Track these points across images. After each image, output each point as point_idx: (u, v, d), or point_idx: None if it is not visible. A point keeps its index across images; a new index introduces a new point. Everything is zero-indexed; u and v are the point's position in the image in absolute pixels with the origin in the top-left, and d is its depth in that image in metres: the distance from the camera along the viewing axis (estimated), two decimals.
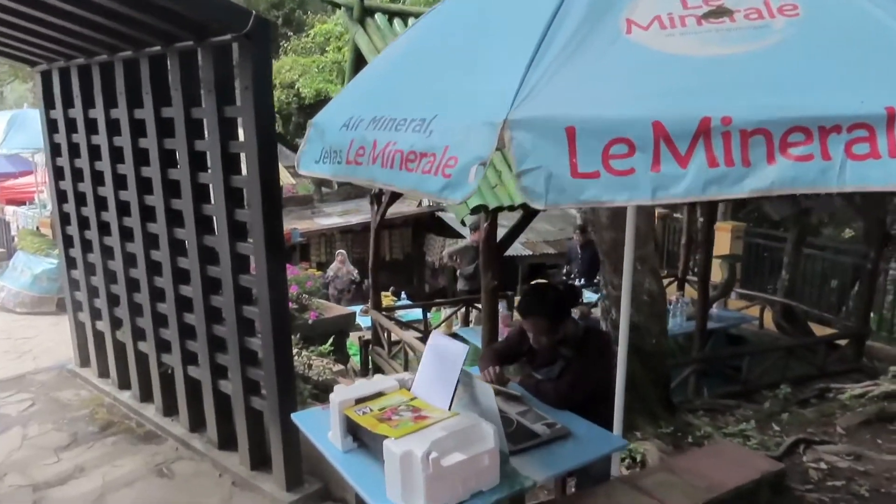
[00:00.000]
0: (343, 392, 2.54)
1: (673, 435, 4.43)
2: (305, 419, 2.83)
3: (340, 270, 10.63)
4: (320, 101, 14.20)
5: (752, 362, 6.27)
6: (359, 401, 2.52)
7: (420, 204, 15.08)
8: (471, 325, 8.04)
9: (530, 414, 2.70)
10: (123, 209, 4.26)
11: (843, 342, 6.84)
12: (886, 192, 1.32)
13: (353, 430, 2.45)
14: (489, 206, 4.31)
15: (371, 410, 2.43)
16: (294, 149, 19.34)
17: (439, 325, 8.02)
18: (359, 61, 6.00)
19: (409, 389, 2.63)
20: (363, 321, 8.67)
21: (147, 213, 4.04)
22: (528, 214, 4.95)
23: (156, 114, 3.70)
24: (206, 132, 3.50)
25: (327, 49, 13.82)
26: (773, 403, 4.99)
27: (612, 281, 4.78)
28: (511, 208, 4.43)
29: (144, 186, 3.99)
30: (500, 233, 5.17)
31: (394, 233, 14.64)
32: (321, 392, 4.45)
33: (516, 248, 12.99)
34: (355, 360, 7.93)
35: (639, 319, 4.76)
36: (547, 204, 1.32)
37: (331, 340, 6.09)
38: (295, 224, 13.42)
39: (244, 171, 3.37)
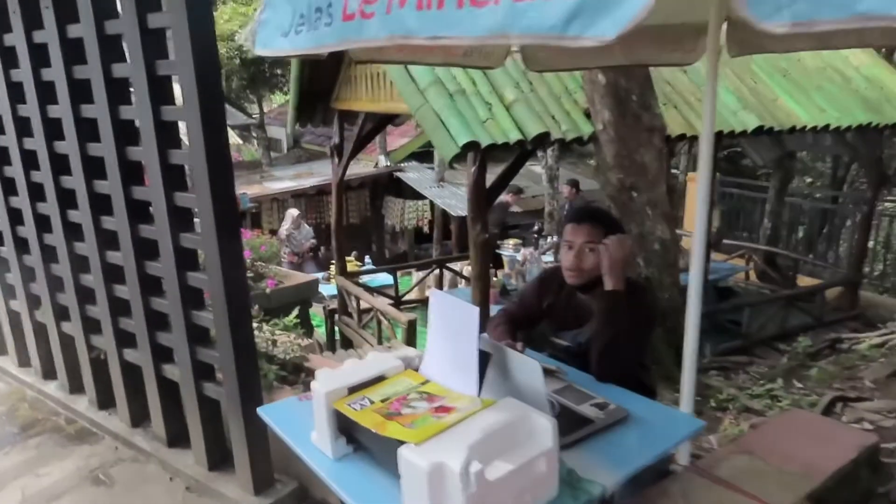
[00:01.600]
0: (329, 378, 1.88)
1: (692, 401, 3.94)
2: (277, 413, 2.15)
3: (294, 232, 9.78)
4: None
5: (750, 315, 5.88)
6: (353, 389, 1.86)
7: (377, 164, 14.27)
8: (445, 289, 7.44)
9: (571, 392, 2.09)
10: (30, 161, 3.42)
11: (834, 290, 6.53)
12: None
13: (348, 430, 1.80)
14: (480, 144, 3.66)
15: (371, 402, 1.78)
16: (241, 109, 18.09)
17: (410, 291, 7.39)
18: None
19: (416, 370, 2.00)
20: (325, 290, 7.97)
21: (59, 164, 3.22)
22: (523, 154, 4.32)
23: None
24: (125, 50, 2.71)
25: None
26: (793, 357, 4.57)
27: None
28: (505, 146, 3.78)
29: (52, 129, 3.16)
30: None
31: (350, 195, 13.80)
32: (289, 373, 3.78)
33: None
34: (320, 333, 7.25)
35: (650, 271, 4.24)
36: None
37: (295, 312, 5.39)
38: (243, 189, 12.45)
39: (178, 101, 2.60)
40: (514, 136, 3.80)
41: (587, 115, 4.21)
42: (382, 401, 1.79)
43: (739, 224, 9.82)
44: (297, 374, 3.84)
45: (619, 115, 4.04)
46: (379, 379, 1.92)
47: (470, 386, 1.80)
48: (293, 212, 9.95)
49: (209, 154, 2.46)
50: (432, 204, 13.28)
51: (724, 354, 5.36)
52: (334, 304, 7.24)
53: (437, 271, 7.34)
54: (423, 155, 14.32)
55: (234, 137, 13.36)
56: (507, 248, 7.74)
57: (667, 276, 4.28)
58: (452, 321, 1.89)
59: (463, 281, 7.62)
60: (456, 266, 7.65)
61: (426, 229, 13.83)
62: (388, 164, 13.86)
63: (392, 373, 1.97)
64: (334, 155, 6.27)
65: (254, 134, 17.56)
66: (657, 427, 1.89)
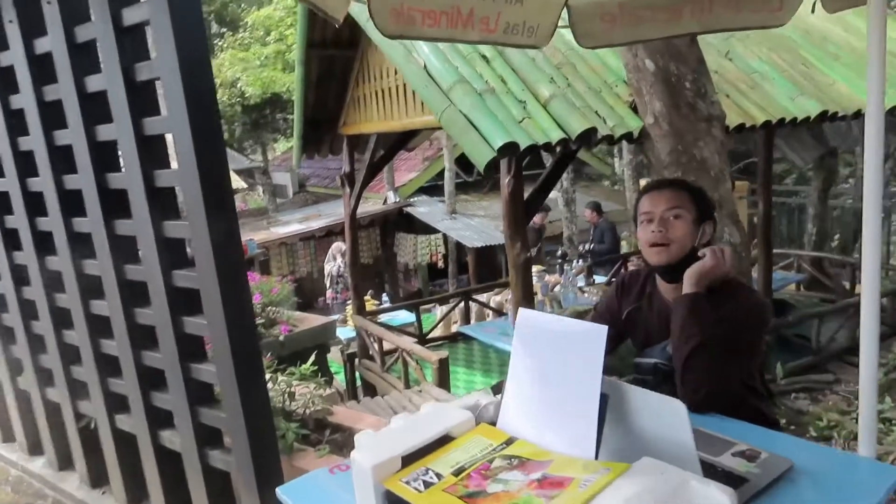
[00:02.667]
0: (374, 443, 1.32)
1: (786, 430, 3.32)
2: (302, 494, 1.55)
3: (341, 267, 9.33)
4: (268, 100, 12.81)
5: (818, 328, 5.26)
6: (409, 459, 1.29)
7: (386, 201, 13.84)
8: (472, 322, 6.86)
9: (697, 436, 1.50)
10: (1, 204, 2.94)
11: None
12: None
13: None
14: (519, 146, 3.14)
15: (440, 477, 1.20)
16: (243, 153, 17.82)
17: (435, 327, 6.81)
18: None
19: (493, 423, 1.44)
20: (341, 333, 7.40)
21: (34, 203, 2.73)
22: (564, 158, 3.80)
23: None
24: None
25: (268, 39, 12.47)
26: (890, 370, 3.95)
27: None
28: (546, 147, 3.26)
29: (24, 164, 2.68)
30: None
31: (360, 235, 13.31)
32: (311, 431, 3.20)
33: (494, 237, 11.98)
34: (339, 380, 6.65)
35: None
36: None
37: (312, 358, 4.83)
38: (250, 235, 11.99)
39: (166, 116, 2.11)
40: (556, 136, 3.29)
41: (633, 109, 3.70)
42: (455, 473, 1.22)
43: (774, 232, 9.25)
44: (320, 432, 3.26)
45: (672, 106, 3.53)
46: (444, 440, 1.35)
47: (583, 443, 1.25)
48: (340, 245, 9.48)
49: (203, 172, 1.95)
50: (445, 238, 12.79)
51: (798, 373, 4.74)
52: (352, 348, 6.66)
53: (462, 304, 6.78)
54: (433, 189, 13.94)
55: (238, 182, 12.99)
56: (534, 276, 7.20)
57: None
58: (553, 350, 1.35)
59: (491, 313, 7.04)
60: (482, 297, 7.08)
61: (440, 264, 13.31)
62: (397, 199, 13.43)
63: (460, 430, 1.40)
64: (345, 185, 5.78)
65: (258, 181, 17.27)
66: (839, 481, 1.30)
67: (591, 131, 3.40)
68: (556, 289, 6.19)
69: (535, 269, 7.80)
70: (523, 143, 3.17)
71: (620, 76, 3.90)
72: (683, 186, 1.74)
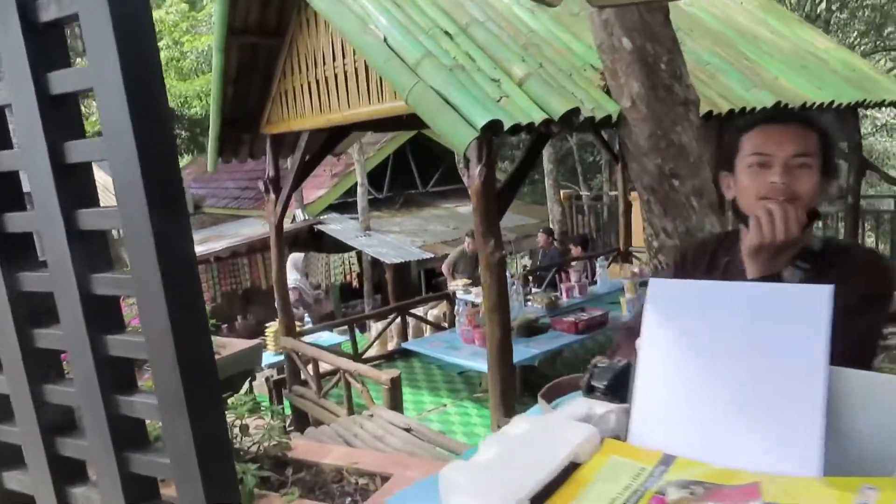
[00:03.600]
0: (477, 485, 0.87)
1: None
2: None
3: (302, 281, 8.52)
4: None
5: None
6: (539, 500, 0.85)
7: (294, 219, 13.07)
8: (411, 338, 6.39)
9: None
10: None
11: None
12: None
13: None
14: (503, 125, 2.78)
15: None
16: None
17: (371, 345, 6.27)
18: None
19: (617, 438, 1.05)
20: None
21: None
22: (538, 143, 3.47)
23: None
24: None
25: (160, 45, 11.42)
26: None
27: (663, 227, 3.43)
28: (529, 128, 2.92)
29: None
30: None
31: (267, 256, 12.47)
32: (274, 470, 2.61)
33: (412, 252, 11.61)
34: (265, 410, 5.94)
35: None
36: None
37: (246, 386, 4.19)
38: None
39: None
40: (538, 116, 2.96)
41: (606, 92, 3.46)
42: None
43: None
44: (280, 471, 2.69)
45: (650, 87, 3.32)
46: (570, 469, 0.94)
47: (802, 455, 0.88)
48: (296, 256, 8.72)
49: (156, 212, 1.40)
50: (360, 256, 12.22)
51: None
52: (278, 374, 5.99)
53: (398, 320, 6.30)
54: (342, 206, 13.35)
55: None
56: (458, 290, 6.86)
57: None
58: (728, 329, 0.97)
59: (428, 327, 6.60)
60: (419, 311, 6.63)
61: (355, 283, 12.70)
62: (306, 217, 12.71)
63: (586, 451, 0.98)
64: (269, 191, 5.17)
65: None
66: None
67: (574, 112, 3.09)
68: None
69: (461, 282, 7.48)
70: (507, 123, 2.81)
71: (587, 60, 3.65)
72: (812, 124, 1.31)
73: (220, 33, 4.28)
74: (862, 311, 1.26)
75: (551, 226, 9.91)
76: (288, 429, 5.47)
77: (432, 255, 11.64)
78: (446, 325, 6.51)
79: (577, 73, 3.50)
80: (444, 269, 7.65)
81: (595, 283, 6.66)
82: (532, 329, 5.21)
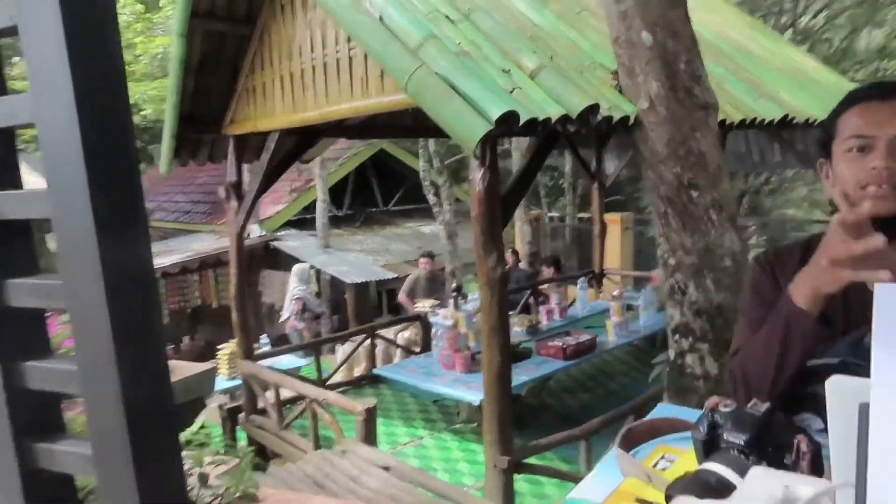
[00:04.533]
0: None
1: None
2: None
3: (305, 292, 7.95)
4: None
5: None
6: None
7: (249, 235, 12.41)
8: (380, 364, 5.90)
9: None
10: None
11: None
12: None
13: None
14: (520, 118, 2.40)
15: None
16: None
17: (337, 371, 5.76)
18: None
19: None
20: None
21: None
22: (548, 140, 3.10)
23: None
24: None
25: None
26: None
27: (682, 242, 3.10)
28: (545, 124, 2.55)
29: None
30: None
31: (220, 273, 11.77)
32: None
33: (375, 272, 11.18)
34: (215, 443, 5.33)
35: (722, 297, 3.13)
36: None
37: (201, 420, 3.62)
38: None
39: None
40: (556, 111, 2.59)
41: (619, 93, 3.13)
42: None
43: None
44: None
45: (669, 88, 3.01)
46: None
47: None
48: (302, 266, 8.21)
49: (99, 192, 0.94)
50: (318, 274, 11.66)
51: None
52: (235, 401, 5.40)
53: (367, 342, 5.80)
54: (301, 222, 12.79)
55: None
56: (430, 312, 6.44)
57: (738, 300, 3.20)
58: None
59: (398, 351, 6.13)
60: (388, 333, 6.15)
61: None
62: (263, 233, 12.10)
63: None
64: (231, 197, 4.65)
65: None
66: None
67: (593, 109, 2.75)
68: (477, 319, 5.48)
69: (427, 303, 7.06)
70: (524, 115, 2.43)
71: (595, 59, 3.33)
72: None
73: (182, 15, 3.80)
74: None
75: (520, 246, 9.60)
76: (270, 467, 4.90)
77: (396, 276, 11.20)
78: (418, 349, 6.06)
79: (588, 70, 3.16)
80: (402, 297, 7.21)
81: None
82: (516, 355, 4.81)
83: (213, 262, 11.39)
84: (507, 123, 2.43)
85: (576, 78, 2.94)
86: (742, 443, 1.00)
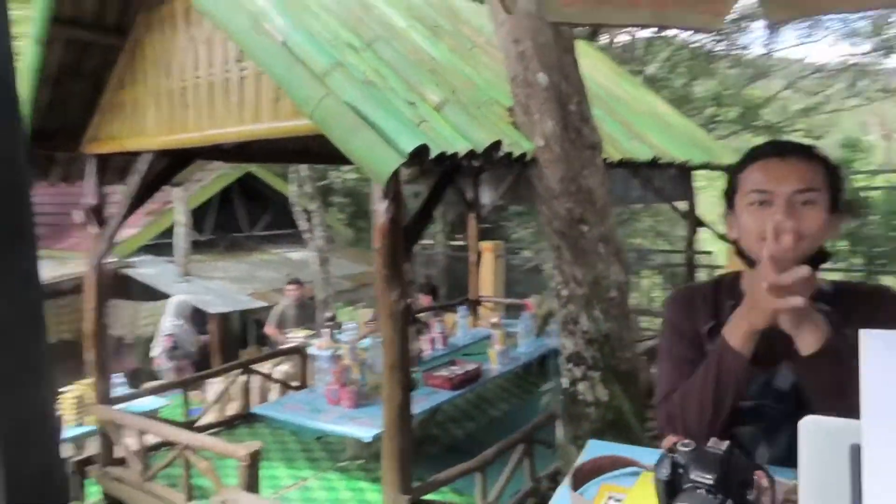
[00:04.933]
0: None
1: None
2: None
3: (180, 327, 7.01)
4: None
5: None
6: None
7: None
8: (258, 402, 5.54)
9: None
10: None
11: None
12: None
13: None
14: (430, 152, 2.40)
15: None
16: None
17: (207, 410, 5.32)
18: None
19: None
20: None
21: None
22: (444, 177, 3.11)
23: None
24: None
25: None
26: None
27: (574, 275, 3.23)
28: (453, 158, 2.57)
29: None
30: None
31: (60, 304, 10.56)
32: None
33: (241, 301, 10.63)
34: None
35: (609, 326, 3.30)
36: None
37: None
38: None
39: None
40: (463, 146, 2.61)
41: (515, 127, 3.23)
42: None
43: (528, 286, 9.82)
44: None
45: (562, 128, 3.15)
46: None
47: None
48: (181, 299, 7.25)
49: None
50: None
51: None
52: (86, 450, 4.81)
53: (244, 377, 5.42)
54: (158, 248, 11.86)
55: None
56: (293, 342, 6.21)
57: (626, 332, 3.39)
58: None
59: (275, 387, 5.81)
60: (264, 367, 5.81)
61: None
62: (114, 258, 11.04)
63: None
64: (91, 222, 4.17)
65: None
66: None
67: (496, 145, 2.80)
68: (363, 345, 5.34)
69: (301, 334, 6.81)
70: (434, 149, 2.42)
71: (490, 95, 3.42)
72: (815, 155, 1.19)
73: (41, 20, 3.38)
74: None
75: None
76: None
77: (265, 304, 10.70)
78: (296, 383, 5.78)
79: (485, 106, 3.24)
80: (269, 328, 6.91)
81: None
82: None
83: (51, 293, 10.23)
84: (418, 157, 2.41)
85: (476, 113, 2.99)
86: (711, 482, 1.02)
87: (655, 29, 10.62)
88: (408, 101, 2.68)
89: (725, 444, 1.09)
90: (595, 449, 1.62)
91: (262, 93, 3.11)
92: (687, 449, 1.07)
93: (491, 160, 2.82)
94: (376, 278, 2.92)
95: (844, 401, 1.14)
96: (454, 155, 2.57)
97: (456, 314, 7.10)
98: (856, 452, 0.80)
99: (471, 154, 2.68)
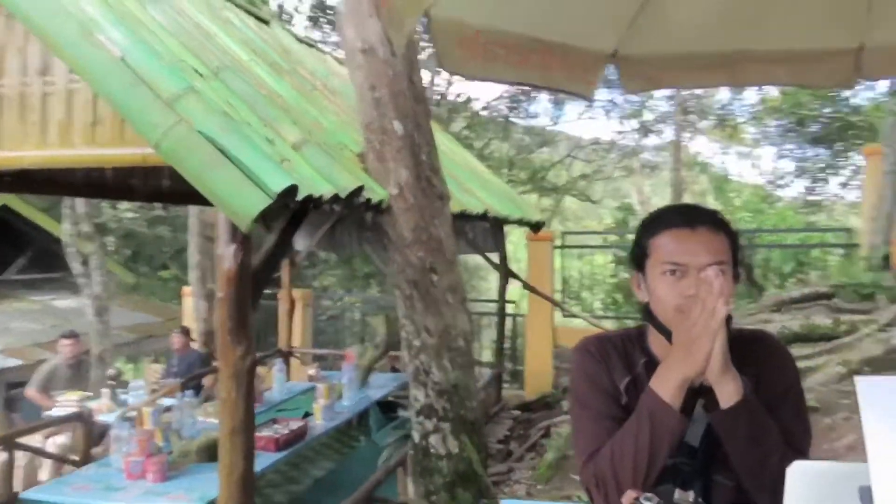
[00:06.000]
0: None
1: None
2: None
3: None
4: None
5: None
6: None
7: None
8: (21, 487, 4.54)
9: None
10: None
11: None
12: None
13: None
14: (297, 193, 2.24)
15: None
16: None
17: None
18: None
19: None
20: None
21: None
22: (293, 220, 2.87)
23: None
24: None
25: None
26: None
27: (425, 324, 3.18)
28: (317, 203, 2.43)
29: None
30: None
31: None
32: None
33: None
34: None
35: (457, 376, 3.29)
36: None
37: None
38: None
39: None
40: (326, 189, 2.44)
41: (368, 174, 3.14)
42: None
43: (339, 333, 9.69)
44: None
45: (415, 177, 3.14)
46: None
47: None
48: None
49: None
50: None
51: None
52: None
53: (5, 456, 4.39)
54: None
55: None
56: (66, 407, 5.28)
57: (472, 381, 3.41)
58: None
59: (48, 463, 4.83)
60: (33, 440, 4.80)
61: None
62: None
63: None
64: None
65: None
66: None
67: (359, 190, 2.68)
68: (169, 416, 4.69)
69: (75, 396, 5.84)
70: (303, 191, 2.23)
71: (338, 139, 3.31)
72: (722, 227, 1.26)
73: None
74: (793, 397, 1.29)
75: (195, 324, 8.67)
76: None
77: (20, 363, 9.01)
78: (77, 457, 4.86)
79: (336, 150, 3.11)
80: (32, 392, 5.69)
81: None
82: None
83: None
84: (282, 198, 2.20)
85: (335, 156, 2.86)
86: None
87: (460, 92, 11.39)
88: (266, 137, 2.46)
89: (691, 495, 1.09)
90: None
91: (75, 113, 2.65)
92: (650, 502, 1.05)
93: (351, 205, 2.69)
94: (219, 331, 2.58)
95: (762, 448, 1.21)
96: (319, 198, 2.40)
97: (266, 367, 6.63)
98: (867, 494, 0.83)
99: (334, 198, 2.53)
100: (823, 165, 11.17)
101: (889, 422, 0.83)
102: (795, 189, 11.35)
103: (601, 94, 10.92)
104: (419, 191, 3.17)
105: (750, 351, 1.26)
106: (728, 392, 1.18)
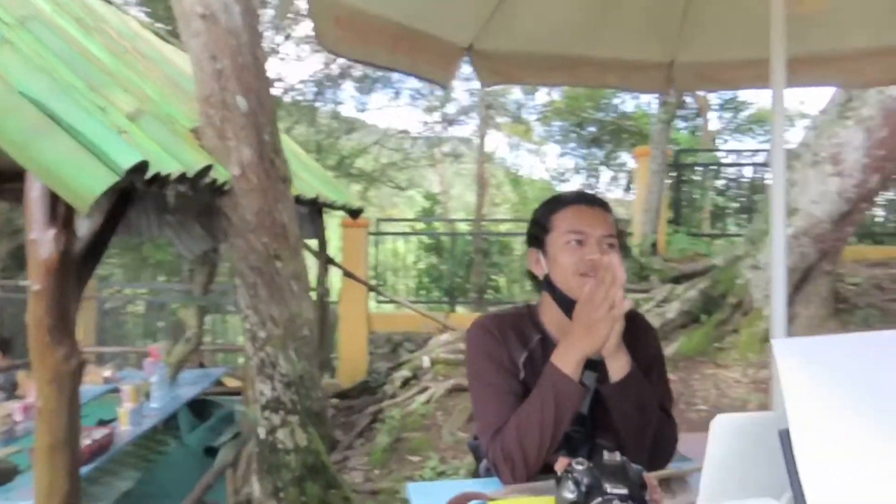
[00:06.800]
0: None
1: None
2: None
3: None
4: None
5: None
6: None
7: None
8: None
9: None
10: None
11: None
12: None
13: None
14: (147, 170, 2.01)
15: None
16: None
17: None
18: None
19: None
20: None
21: None
22: (121, 200, 2.50)
23: None
24: None
25: None
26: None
27: (270, 314, 3.00)
28: (163, 182, 2.19)
29: None
30: None
31: None
32: None
33: None
34: None
35: (303, 366, 3.17)
36: None
37: None
38: None
39: None
40: (174, 167, 2.16)
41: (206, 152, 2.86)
42: None
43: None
44: None
45: (259, 157, 2.94)
46: None
47: None
48: None
49: None
50: None
51: None
52: None
53: None
54: None
55: None
56: None
57: (316, 371, 3.29)
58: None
59: None
60: None
61: None
62: None
63: None
64: None
65: None
66: None
67: (207, 170, 2.43)
68: None
69: None
70: (152, 168, 1.95)
71: (167, 112, 2.97)
72: (608, 209, 1.45)
73: None
74: (658, 366, 1.52)
75: None
76: None
77: None
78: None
79: (169, 124, 2.78)
80: None
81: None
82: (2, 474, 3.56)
83: None
84: (132, 176, 1.92)
85: (176, 130, 2.55)
86: (626, 492, 1.10)
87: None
88: (97, 104, 2.12)
89: (618, 455, 1.19)
90: (417, 493, 1.53)
91: None
92: (583, 466, 1.13)
93: (195, 186, 2.44)
94: (34, 330, 2.17)
95: (645, 413, 1.37)
96: (166, 177, 2.14)
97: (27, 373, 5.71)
98: (785, 436, 0.97)
99: (181, 177, 2.26)
100: (598, 163, 12.66)
101: (800, 373, 0.98)
102: (574, 184, 12.73)
103: (409, 84, 11.16)
104: (262, 172, 2.97)
105: (625, 327, 1.38)
106: (619, 366, 1.31)
